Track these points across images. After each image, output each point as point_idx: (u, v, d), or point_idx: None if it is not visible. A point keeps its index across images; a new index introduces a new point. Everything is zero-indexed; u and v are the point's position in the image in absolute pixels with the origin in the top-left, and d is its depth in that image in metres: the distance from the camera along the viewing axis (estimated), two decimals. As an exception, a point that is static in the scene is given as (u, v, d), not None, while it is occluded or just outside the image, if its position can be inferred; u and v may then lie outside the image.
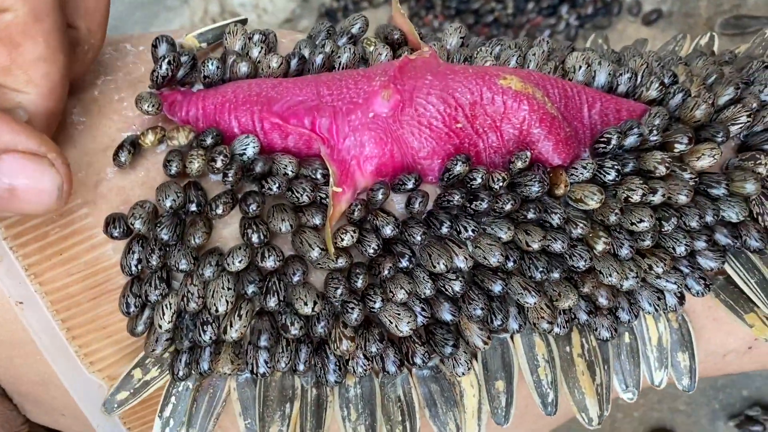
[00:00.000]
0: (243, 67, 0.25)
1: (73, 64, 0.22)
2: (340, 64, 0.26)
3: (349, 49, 0.26)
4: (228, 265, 0.22)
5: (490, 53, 0.26)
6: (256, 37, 0.26)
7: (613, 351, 0.25)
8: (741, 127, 0.25)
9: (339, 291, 0.22)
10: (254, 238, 0.22)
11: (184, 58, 0.25)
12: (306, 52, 0.26)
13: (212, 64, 0.25)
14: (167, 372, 0.23)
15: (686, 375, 0.25)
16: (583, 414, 0.24)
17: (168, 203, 0.22)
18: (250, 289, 0.22)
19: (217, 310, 0.21)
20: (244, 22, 0.28)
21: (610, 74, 0.26)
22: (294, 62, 0.26)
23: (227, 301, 0.21)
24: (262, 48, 0.25)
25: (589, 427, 0.24)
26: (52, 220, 0.23)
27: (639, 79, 0.26)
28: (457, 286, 0.22)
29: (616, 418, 0.42)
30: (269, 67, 0.25)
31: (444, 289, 0.23)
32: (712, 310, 0.26)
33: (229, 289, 0.22)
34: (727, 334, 0.26)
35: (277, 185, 0.22)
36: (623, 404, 0.43)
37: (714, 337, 0.26)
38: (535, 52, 0.27)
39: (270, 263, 0.22)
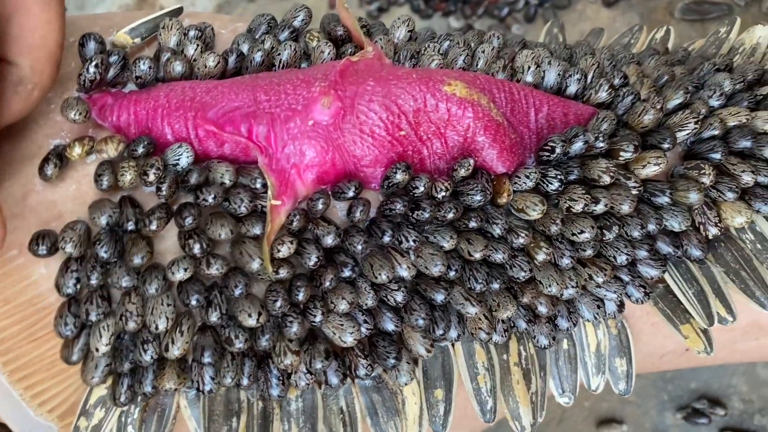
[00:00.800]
0: (177, 67, 0.25)
1: (13, 103, 0.21)
2: (280, 61, 0.25)
3: (290, 46, 0.25)
4: (171, 275, 0.21)
5: (438, 50, 0.26)
6: (192, 33, 0.25)
7: (551, 357, 0.26)
8: (688, 134, 0.25)
9: (278, 303, 0.22)
10: (196, 249, 0.22)
11: (113, 58, 0.24)
12: (245, 48, 0.26)
13: (144, 63, 0.24)
14: (113, 408, 0.23)
15: (623, 380, 0.26)
16: (516, 422, 0.25)
17: (103, 221, 0.22)
18: (194, 301, 0.22)
19: (157, 328, 0.21)
20: (178, 12, 0.27)
21: (559, 75, 0.27)
22: (232, 59, 0.25)
23: (167, 318, 0.21)
24: (198, 45, 0.25)
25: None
26: None
27: (589, 81, 0.27)
28: (399, 297, 0.23)
29: (566, 408, 0.44)
30: (205, 66, 0.25)
31: (386, 300, 0.23)
32: (651, 315, 0.26)
33: (168, 305, 0.22)
34: (664, 338, 0.27)
35: (212, 196, 0.22)
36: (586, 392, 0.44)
37: (652, 341, 0.27)
38: (484, 49, 0.27)
39: (215, 270, 0.22)
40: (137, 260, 0.21)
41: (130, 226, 0.22)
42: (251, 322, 0.21)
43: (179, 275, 0.21)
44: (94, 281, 0.22)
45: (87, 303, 0.22)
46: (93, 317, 0.21)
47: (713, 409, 0.41)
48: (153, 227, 0.22)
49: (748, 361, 0.30)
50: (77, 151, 0.23)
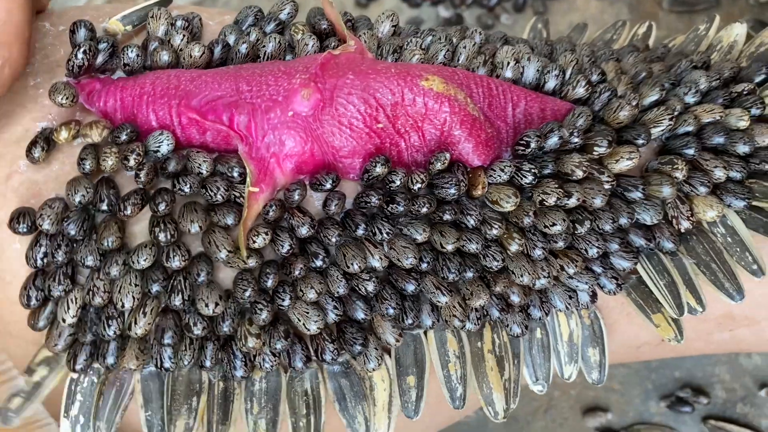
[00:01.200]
0: (164, 56, 0.26)
1: None
2: (265, 53, 0.26)
3: (275, 38, 0.26)
4: (133, 263, 0.23)
5: (420, 45, 0.27)
6: (179, 23, 0.26)
7: (525, 345, 0.26)
8: (662, 130, 0.26)
9: (248, 293, 0.23)
10: (161, 237, 0.23)
11: (102, 45, 0.25)
12: (231, 39, 0.27)
13: (132, 51, 0.25)
14: (57, 369, 0.24)
15: (596, 369, 0.27)
16: (490, 408, 0.26)
17: (77, 198, 0.23)
18: (154, 288, 0.23)
19: (123, 306, 0.22)
20: (168, 1, 0.28)
21: (538, 71, 0.27)
22: (218, 50, 0.26)
23: (134, 298, 0.23)
24: (184, 36, 0.26)
25: (494, 420, 0.26)
26: None
27: (567, 77, 0.28)
28: (370, 287, 0.24)
29: (554, 396, 0.45)
30: (191, 56, 0.26)
31: (357, 289, 0.24)
32: (626, 306, 0.27)
33: (136, 285, 0.23)
34: (639, 328, 0.28)
35: (188, 186, 0.23)
36: (560, 383, 0.45)
37: (627, 331, 0.28)
38: (466, 44, 0.28)
39: (175, 263, 0.23)
40: (106, 243, 0.22)
41: (104, 206, 0.23)
42: (208, 311, 0.23)
43: (141, 263, 0.23)
44: (59, 257, 0.23)
45: (50, 279, 0.23)
46: (55, 293, 0.23)
47: (696, 397, 0.42)
48: (127, 212, 0.23)
49: (723, 351, 0.31)
50: (64, 134, 0.24)
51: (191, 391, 0.24)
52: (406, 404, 0.25)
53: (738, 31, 0.30)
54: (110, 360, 0.24)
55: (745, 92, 0.27)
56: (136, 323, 0.23)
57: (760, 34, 0.29)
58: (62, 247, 0.23)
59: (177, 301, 0.23)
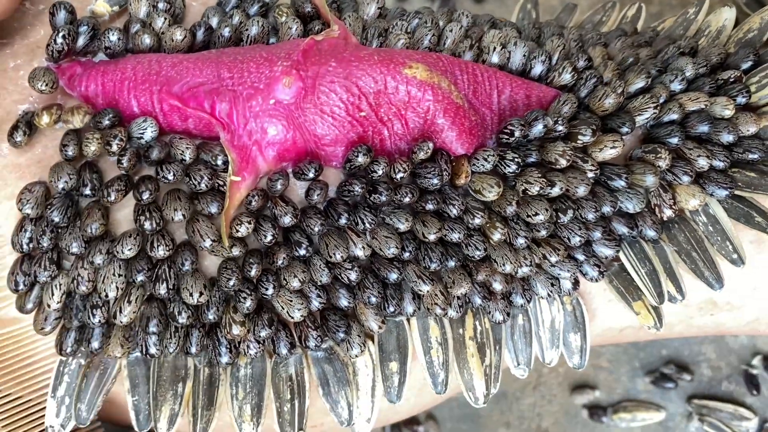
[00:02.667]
0: (146, 39, 0.26)
1: None
2: (248, 37, 0.27)
3: (258, 22, 0.27)
4: (117, 253, 0.23)
5: (405, 29, 0.28)
6: (161, 5, 0.26)
7: (507, 331, 0.27)
8: (647, 118, 0.27)
9: (232, 282, 0.23)
10: (147, 226, 0.23)
11: (82, 28, 0.25)
12: (214, 22, 0.27)
13: (113, 34, 0.25)
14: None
15: (577, 354, 0.28)
16: (470, 393, 0.27)
17: (60, 185, 0.23)
18: (139, 278, 0.23)
19: (107, 296, 0.23)
20: None
21: (524, 56, 0.28)
22: (200, 33, 0.27)
23: (117, 287, 0.23)
24: (166, 18, 0.26)
25: (474, 405, 0.27)
26: None
27: (553, 62, 0.28)
28: (353, 275, 0.24)
29: (542, 373, 0.46)
30: (173, 39, 0.26)
31: (340, 277, 0.25)
32: (607, 292, 0.28)
33: (119, 275, 0.23)
34: (621, 314, 0.29)
35: (172, 174, 0.24)
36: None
37: (609, 316, 0.29)
38: (452, 28, 0.28)
39: (160, 252, 0.23)
40: (90, 230, 0.23)
41: (87, 191, 0.24)
42: (192, 300, 0.23)
43: (126, 253, 0.23)
44: (45, 243, 0.23)
45: (36, 264, 0.24)
46: (41, 278, 0.24)
47: (680, 374, 0.43)
48: (111, 198, 0.23)
49: (704, 335, 0.32)
50: (45, 119, 0.24)
51: (177, 377, 0.25)
52: (388, 389, 0.26)
53: (727, 15, 0.30)
54: (95, 344, 0.24)
55: (731, 80, 0.27)
56: (121, 312, 0.24)
57: (748, 20, 0.29)
58: (47, 233, 0.24)
59: (162, 289, 0.24)
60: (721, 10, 0.30)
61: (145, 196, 0.23)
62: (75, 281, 0.23)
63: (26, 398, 0.26)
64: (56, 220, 0.23)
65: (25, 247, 0.24)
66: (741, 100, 0.27)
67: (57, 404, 0.25)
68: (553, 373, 0.46)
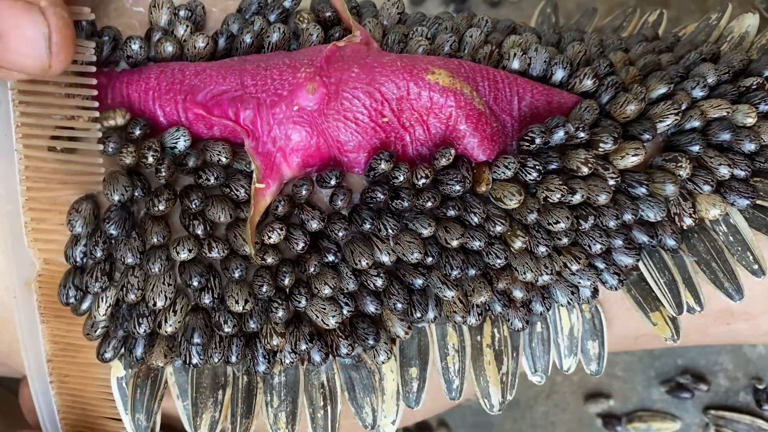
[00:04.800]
0: (168, 47, 0.27)
1: None
2: (269, 43, 0.28)
3: (279, 28, 0.27)
4: (176, 254, 0.24)
5: (425, 35, 0.28)
6: (182, 13, 0.27)
7: (525, 338, 0.28)
8: (668, 125, 0.27)
9: (264, 288, 0.24)
10: (199, 230, 0.24)
11: (104, 38, 0.26)
12: (235, 29, 0.28)
13: (135, 43, 0.26)
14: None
15: (595, 361, 0.29)
16: (486, 400, 0.28)
17: (116, 197, 0.24)
18: (195, 282, 0.24)
19: (155, 305, 0.24)
20: None
21: (545, 62, 0.28)
22: (222, 40, 0.27)
23: (166, 297, 0.24)
24: (187, 26, 0.27)
25: (489, 413, 0.28)
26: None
27: (574, 69, 0.29)
28: (379, 282, 0.25)
29: (556, 381, 0.47)
30: (195, 47, 0.27)
31: (366, 284, 0.25)
32: (625, 300, 0.29)
33: (169, 285, 0.24)
34: (638, 322, 0.29)
35: (214, 176, 0.25)
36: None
37: (627, 324, 0.30)
38: (472, 33, 0.29)
39: (216, 253, 0.24)
40: (155, 239, 0.24)
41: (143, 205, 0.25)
42: (238, 308, 0.24)
43: (183, 255, 0.24)
44: (98, 254, 0.24)
45: (88, 275, 0.24)
46: (93, 290, 0.24)
47: (696, 384, 0.44)
48: (161, 207, 0.24)
49: (720, 343, 0.33)
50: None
51: (217, 384, 0.26)
52: (407, 394, 0.27)
53: (750, 21, 0.31)
54: (138, 352, 0.25)
55: (753, 87, 0.28)
56: (166, 321, 0.24)
57: (771, 26, 0.30)
58: (100, 244, 0.25)
59: (207, 299, 0.24)
60: (744, 16, 0.31)
61: (195, 203, 0.24)
62: (125, 289, 0.24)
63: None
64: (114, 233, 0.24)
65: (78, 260, 0.25)
66: (764, 107, 0.28)
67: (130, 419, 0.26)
68: (566, 381, 0.47)
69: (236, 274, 0.24)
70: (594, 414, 0.46)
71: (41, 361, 0.26)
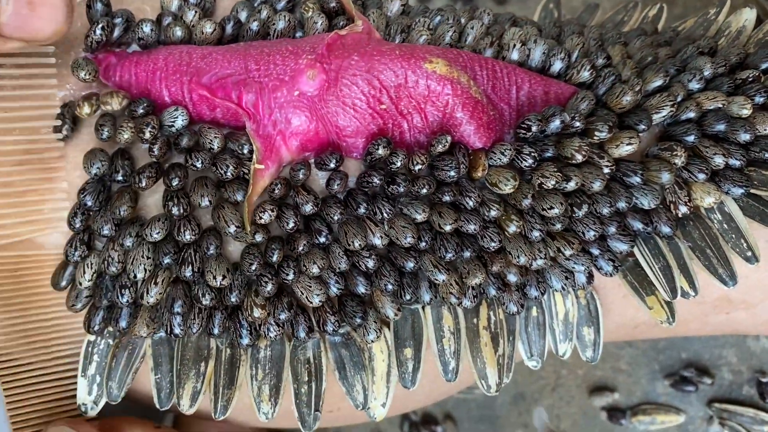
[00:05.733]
0: (177, 32, 0.28)
1: None
2: (275, 31, 0.29)
3: (285, 17, 0.28)
4: (146, 236, 0.25)
5: (427, 26, 0.29)
6: (192, -1, 0.29)
7: (521, 323, 0.29)
8: (664, 116, 0.28)
9: (254, 267, 0.25)
10: (174, 211, 0.25)
11: (117, 20, 0.27)
12: (243, 16, 0.29)
13: (147, 26, 0.27)
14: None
15: (590, 347, 0.30)
16: (483, 381, 0.28)
17: (93, 171, 0.25)
18: (166, 260, 0.25)
19: (135, 276, 0.25)
20: None
21: (544, 53, 0.29)
22: (229, 26, 0.28)
23: (145, 269, 0.25)
24: (196, 12, 0.28)
25: (487, 393, 0.29)
26: None
27: (573, 60, 0.29)
28: (370, 263, 0.26)
29: (561, 375, 0.47)
30: (203, 32, 0.28)
31: (358, 265, 0.26)
32: (621, 287, 0.29)
33: (148, 258, 0.25)
34: (636, 309, 0.30)
35: (200, 162, 0.25)
36: (569, 361, 0.48)
37: (624, 312, 0.30)
38: (473, 25, 0.30)
39: (187, 236, 0.25)
40: (119, 212, 0.25)
41: (119, 177, 0.26)
42: (215, 283, 0.25)
43: (154, 236, 0.25)
44: (76, 224, 0.26)
45: (68, 245, 0.26)
46: (72, 259, 0.26)
47: (700, 377, 0.44)
48: (142, 184, 0.25)
49: (720, 333, 0.33)
50: (86, 110, 0.26)
51: (199, 357, 0.27)
52: (403, 375, 0.28)
53: (747, 16, 0.31)
54: (123, 324, 0.26)
55: (749, 79, 0.29)
56: (148, 292, 0.25)
57: (768, 20, 0.30)
58: (78, 215, 0.26)
59: (187, 272, 0.25)
60: (741, 10, 0.31)
61: (175, 182, 0.25)
62: (106, 262, 0.25)
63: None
64: (88, 204, 0.25)
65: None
66: (759, 99, 0.28)
67: (88, 383, 0.27)
68: (571, 374, 0.47)
69: (209, 252, 0.26)
70: (599, 407, 0.47)
71: None
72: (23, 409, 0.28)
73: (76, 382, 0.28)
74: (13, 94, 0.26)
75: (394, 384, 0.28)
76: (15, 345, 0.28)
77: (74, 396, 0.28)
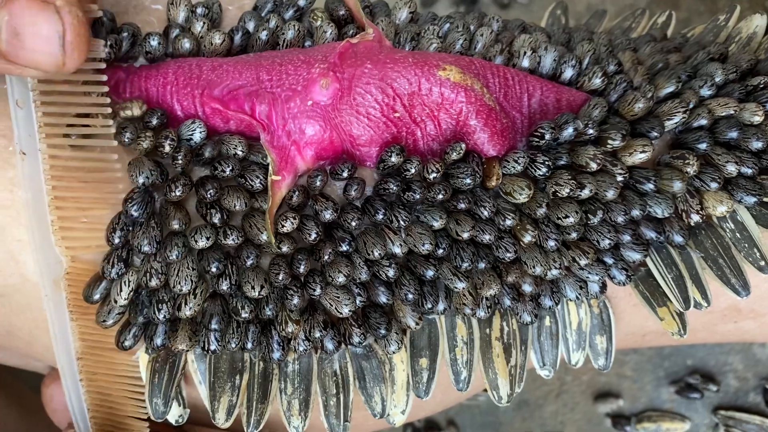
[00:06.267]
0: (186, 44, 0.27)
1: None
2: (284, 41, 0.28)
3: (294, 26, 0.28)
4: (194, 243, 0.25)
5: (437, 33, 0.29)
6: (199, 10, 0.28)
7: (534, 332, 0.28)
8: (676, 123, 0.28)
9: (280, 276, 0.25)
10: (216, 219, 0.25)
11: (124, 35, 0.27)
12: (251, 26, 0.29)
13: (154, 39, 0.27)
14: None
15: (602, 356, 0.29)
16: (495, 392, 0.28)
17: (141, 180, 0.25)
18: (214, 268, 0.25)
19: (180, 289, 0.25)
20: None
21: (555, 60, 0.29)
22: (238, 37, 0.28)
23: (192, 281, 0.25)
24: (204, 23, 0.28)
25: (498, 404, 0.28)
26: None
27: (584, 67, 0.29)
28: (390, 272, 0.26)
29: (565, 381, 0.47)
30: (212, 43, 0.27)
31: (379, 275, 0.26)
32: (632, 296, 0.29)
33: (193, 269, 0.25)
34: (645, 319, 0.30)
35: (230, 168, 0.25)
36: (573, 368, 0.48)
37: (634, 320, 0.30)
38: (483, 32, 0.29)
39: (231, 241, 0.25)
40: (176, 225, 0.25)
41: (179, 190, 0.25)
42: (254, 293, 0.25)
43: (201, 243, 0.25)
44: (116, 240, 0.25)
45: (105, 261, 0.25)
46: (109, 275, 0.25)
47: (706, 384, 0.44)
48: (178, 193, 0.25)
49: (727, 341, 0.33)
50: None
51: (234, 370, 0.27)
52: (417, 385, 0.28)
53: (758, 22, 0.31)
54: (158, 341, 0.26)
55: (761, 86, 0.29)
56: (185, 304, 0.25)
57: (779, 26, 0.31)
58: (117, 231, 0.25)
59: (225, 285, 0.25)
60: (752, 17, 0.31)
61: (211, 193, 0.25)
62: (147, 275, 0.25)
63: None
64: (135, 215, 0.25)
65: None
66: (771, 106, 0.28)
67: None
68: (576, 381, 0.47)
69: (249, 262, 0.25)
70: (603, 414, 0.47)
71: (72, 359, 0.27)
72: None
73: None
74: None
75: (413, 393, 0.28)
76: (89, 352, 0.27)
77: None
